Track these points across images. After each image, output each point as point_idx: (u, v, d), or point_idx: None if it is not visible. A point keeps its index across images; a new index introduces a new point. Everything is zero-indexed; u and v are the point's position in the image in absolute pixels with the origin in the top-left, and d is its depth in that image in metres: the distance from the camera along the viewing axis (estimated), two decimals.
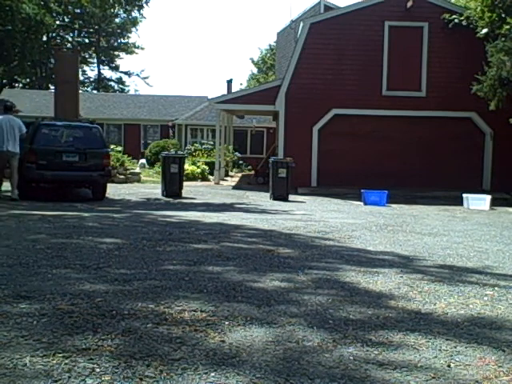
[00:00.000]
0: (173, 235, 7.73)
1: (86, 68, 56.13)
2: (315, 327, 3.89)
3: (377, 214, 12.37)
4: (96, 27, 53.33)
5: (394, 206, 14.91)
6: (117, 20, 54.46)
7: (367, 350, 3.49)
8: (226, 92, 31.16)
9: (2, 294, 4.35)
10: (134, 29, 56.36)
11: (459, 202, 15.54)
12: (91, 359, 3.14)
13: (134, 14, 51.62)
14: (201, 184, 21.50)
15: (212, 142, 28.96)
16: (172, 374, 3.01)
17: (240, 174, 28.00)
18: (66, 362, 3.09)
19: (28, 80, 48.98)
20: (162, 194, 15.42)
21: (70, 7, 47.26)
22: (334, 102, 19.26)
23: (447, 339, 3.76)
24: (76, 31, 53.86)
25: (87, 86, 56.44)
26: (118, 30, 55.08)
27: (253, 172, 24.71)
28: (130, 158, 23.98)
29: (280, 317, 4.09)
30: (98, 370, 3.01)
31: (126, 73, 59.01)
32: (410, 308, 4.50)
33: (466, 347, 3.62)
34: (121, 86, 58.99)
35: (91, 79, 58.03)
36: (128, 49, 57.12)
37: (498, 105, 16.19)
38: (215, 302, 4.40)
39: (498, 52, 15.80)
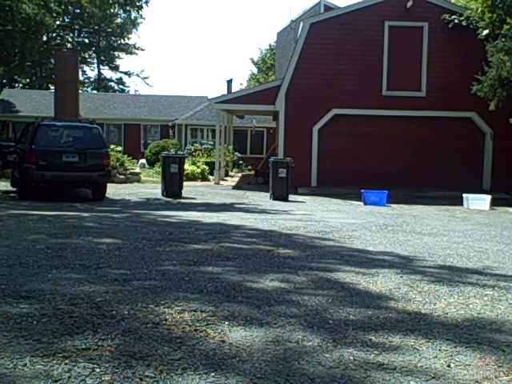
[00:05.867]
0: (173, 235, 7.73)
1: (86, 68, 56.07)
2: (315, 327, 3.89)
3: (377, 214, 12.37)
4: (96, 27, 53.26)
5: (393, 206, 14.90)
6: (117, 20, 54.39)
7: (367, 350, 3.49)
8: (226, 92, 31.13)
9: (1, 294, 4.35)
10: (134, 29, 56.31)
11: (459, 201, 15.53)
12: (91, 359, 3.14)
13: (133, 15, 51.64)
14: (201, 184, 21.50)
15: (212, 142, 28.95)
16: (172, 373, 3.01)
17: (240, 174, 27.99)
18: (66, 362, 3.10)
19: (28, 80, 48.93)
20: (162, 194, 15.42)
21: (70, 7, 47.21)
22: (333, 102, 19.24)
23: (447, 339, 3.76)
24: (76, 31, 53.79)
25: (87, 86, 56.37)
26: (118, 31, 55.00)
27: (253, 172, 24.70)
28: (129, 158, 24.00)
29: (280, 317, 4.09)
30: (97, 370, 3.01)
31: (126, 73, 58.97)
32: (410, 308, 4.51)
33: (465, 347, 3.62)
34: (121, 86, 58.93)
35: (91, 79, 58.00)
36: (128, 49, 57.08)
37: (497, 105, 16.17)
38: (215, 302, 4.40)
39: (498, 52, 15.78)
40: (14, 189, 14.35)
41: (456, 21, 18.65)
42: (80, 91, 25.57)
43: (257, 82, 51.59)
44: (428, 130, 19.64)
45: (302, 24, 19.72)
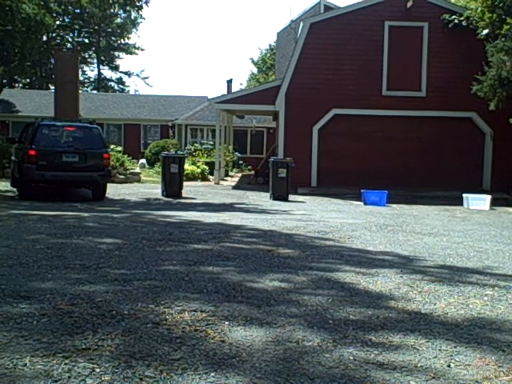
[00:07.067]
0: (173, 235, 7.73)
1: (86, 68, 56.07)
2: (315, 327, 3.89)
3: (377, 214, 12.37)
4: (96, 27, 53.27)
5: (394, 205, 14.90)
6: (117, 20, 54.39)
7: (367, 350, 3.49)
8: (225, 92, 31.13)
9: (1, 294, 4.35)
10: (134, 29, 56.33)
11: (459, 202, 15.53)
12: (91, 359, 3.14)
13: (133, 15, 51.62)
14: (201, 184, 21.50)
15: (212, 142, 28.94)
16: (172, 374, 3.01)
17: (240, 174, 27.99)
18: (66, 361, 3.10)
19: (28, 80, 48.92)
20: (162, 194, 15.42)
21: (70, 7, 47.22)
22: (334, 102, 19.24)
23: (447, 339, 3.76)
24: (76, 31, 53.78)
25: (87, 86, 56.35)
26: (118, 31, 55.00)
27: (253, 172, 24.70)
28: (129, 158, 23.99)
29: (280, 317, 4.09)
30: (97, 370, 3.01)
31: (125, 73, 58.97)
32: (410, 308, 4.51)
33: (465, 347, 3.62)
34: (121, 86, 58.91)
35: (91, 79, 57.99)
36: (128, 49, 57.08)
37: (497, 105, 16.17)
38: (215, 302, 4.40)
39: (498, 52, 15.78)
40: (14, 189, 14.34)
41: (456, 21, 18.66)
42: (80, 91, 25.56)
43: (257, 82, 51.57)
44: (428, 130, 19.64)
45: (301, 24, 19.72)
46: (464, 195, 15.55)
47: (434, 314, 4.36)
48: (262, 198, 15.86)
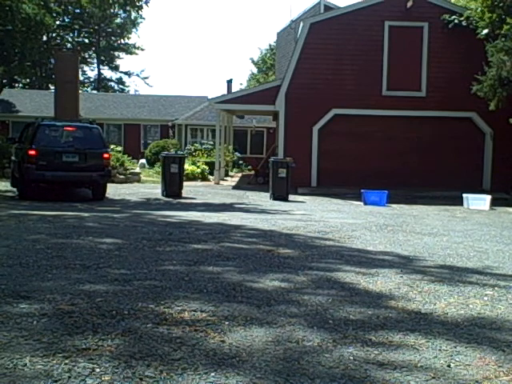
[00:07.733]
0: (173, 235, 7.73)
1: (86, 68, 56.03)
2: (315, 327, 3.89)
3: (377, 214, 12.37)
4: (96, 27, 53.27)
5: (394, 205, 14.90)
6: (117, 20, 54.38)
7: (367, 350, 3.49)
8: (225, 92, 31.12)
9: (1, 294, 4.35)
10: (134, 29, 56.32)
11: (459, 201, 15.54)
12: (91, 359, 3.14)
13: (133, 15, 51.59)
14: (201, 184, 21.50)
15: (212, 142, 28.94)
16: (172, 374, 3.01)
17: (240, 174, 27.98)
18: (66, 362, 3.10)
19: (28, 80, 48.92)
20: (162, 194, 15.42)
21: (70, 7, 47.21)
22: (334, 102, 19.24)
23: (447, 339, 3.76)
24: (76, 31, 53.76)
25: (87, 86, 56.33)
26: (118, 31, 54.99)
27: (253, 172, 24.70)
28: (129, 158, 23.99)
29: (280, 317, 4.09)
30: (97, 370, 3.01)
31: (125, 73, 58.93)
32: (410, 308, 4.51)
33: (465, 347, 3.62)
34: (121, 86, 58.89)
35: (91, 79, 57.97)
36: (128, 49, 57.06)
37: (497, 105, 16.17)
38: (215, 302, 4.40)
39: (498, 52, 15.78)
40: (14, 189, 14.35)
41: (456, 21, 18.66)
42: (80, 91, 25.56)
43: (257, 82, 51.55)
44: (428, 130, 19.64)
45: (301, 24, 19.72)
46: (464, 195, 15.55)
47: (434, 314, 4.36)
48: (262, 198, 15.86)
